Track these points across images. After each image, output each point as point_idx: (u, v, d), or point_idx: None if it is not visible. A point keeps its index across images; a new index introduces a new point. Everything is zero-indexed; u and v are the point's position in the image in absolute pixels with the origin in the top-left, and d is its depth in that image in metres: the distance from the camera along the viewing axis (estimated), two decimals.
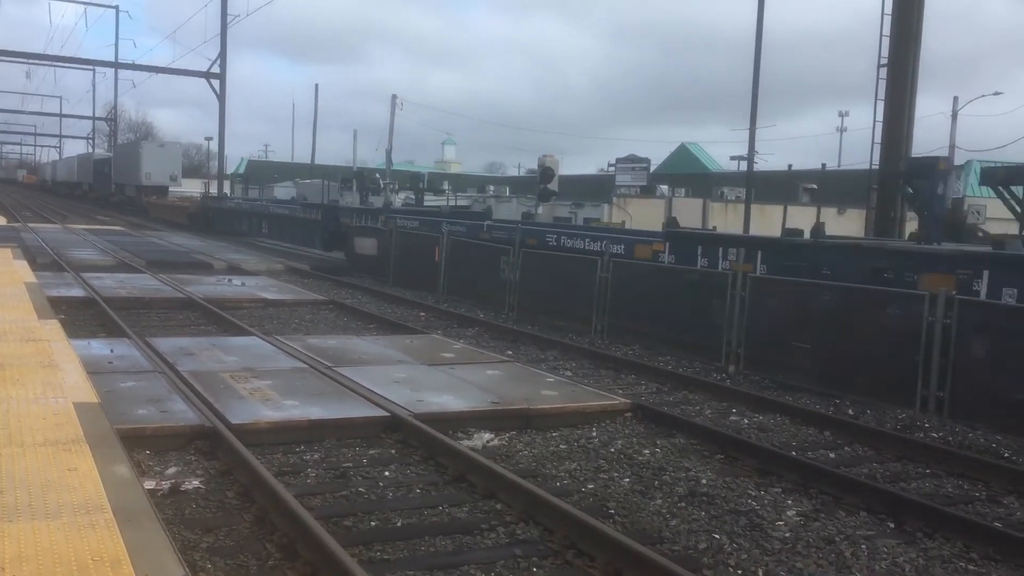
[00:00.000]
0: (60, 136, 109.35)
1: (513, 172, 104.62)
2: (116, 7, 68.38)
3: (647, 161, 52.94)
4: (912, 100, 17.92)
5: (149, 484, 6.70)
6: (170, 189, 55.03)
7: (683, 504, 7.11)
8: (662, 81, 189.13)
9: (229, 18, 47.92)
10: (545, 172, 30.94)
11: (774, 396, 11.19)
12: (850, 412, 10.59)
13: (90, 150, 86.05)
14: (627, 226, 32.55)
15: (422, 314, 17.74)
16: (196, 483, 7.06)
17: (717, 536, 6.44)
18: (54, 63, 62.71)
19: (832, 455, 8.91)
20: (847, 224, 42.13)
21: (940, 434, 9.70)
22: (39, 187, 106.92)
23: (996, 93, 64.53)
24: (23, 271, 16.75)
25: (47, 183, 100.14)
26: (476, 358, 12.22)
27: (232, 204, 44.56)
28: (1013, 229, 35.11)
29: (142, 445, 7.68)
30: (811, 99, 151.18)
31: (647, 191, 50.02)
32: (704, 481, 7.68)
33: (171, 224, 45.15)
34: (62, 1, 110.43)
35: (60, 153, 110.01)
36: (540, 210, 32.07)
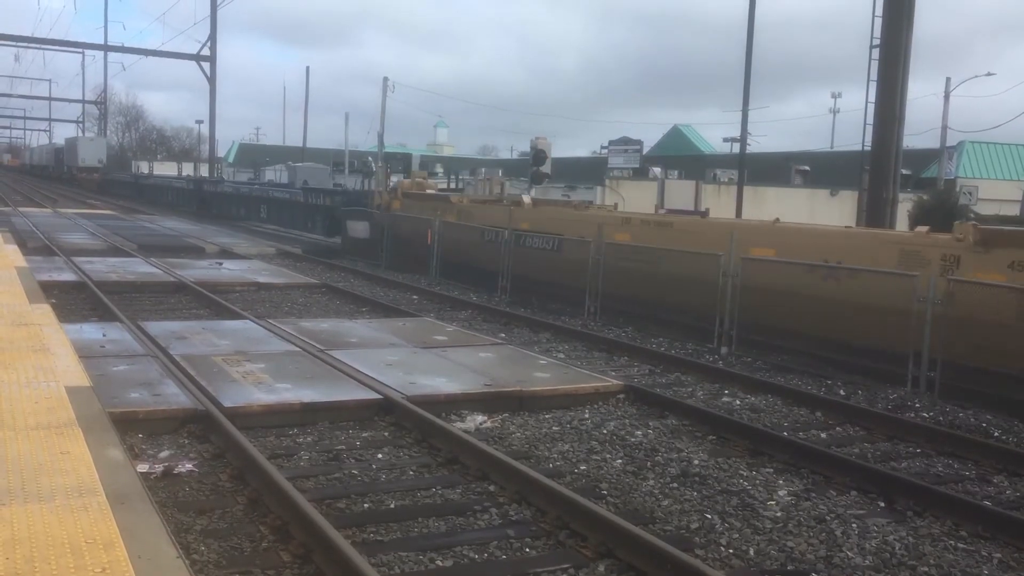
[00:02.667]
0: (50, 120, 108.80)
1: (506, 155, 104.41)
2: None
3: (640, 143, 52.82)
4: (904, 81, 17.90)
5: (142, 467, 6.71)
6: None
7: (675, 485, 7.14)
8: (653, 63, 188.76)
9: (219, 0, 47.57)
10: (538, 155, 30.84)
11: (766, 377, 11.23)
12: (842, 392, 10.63)
13: (80, 134, 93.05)
14: (619, 208, 32.44)
15: (415, 297, 17.74)
16: (189, 466, 7.06)
17: (709, 516, 6.48)
18: (43, 46, 62.36)
19: (824, 435, 8.95)
20: (840, 206, 42.08)
21: (931, 414, 9.75)
22: (21, 169, 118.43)
23: (988, 74, 64.38)
24: (14, 255, 16.70)
25: (27, 166, 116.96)
26: (469, 341, 12.23)
27: (115, 176, 69.82)
28: (1005, 209, 35.16)
29: (135, 428, 7.68)
30: (804, 81, 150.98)
31: (640, 173, 49.91)
32: (696, 462, 7.72)
33: (86, 189, 66.13)
34: None
35: (50, 137, 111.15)
36: (533, 192, 32.00)
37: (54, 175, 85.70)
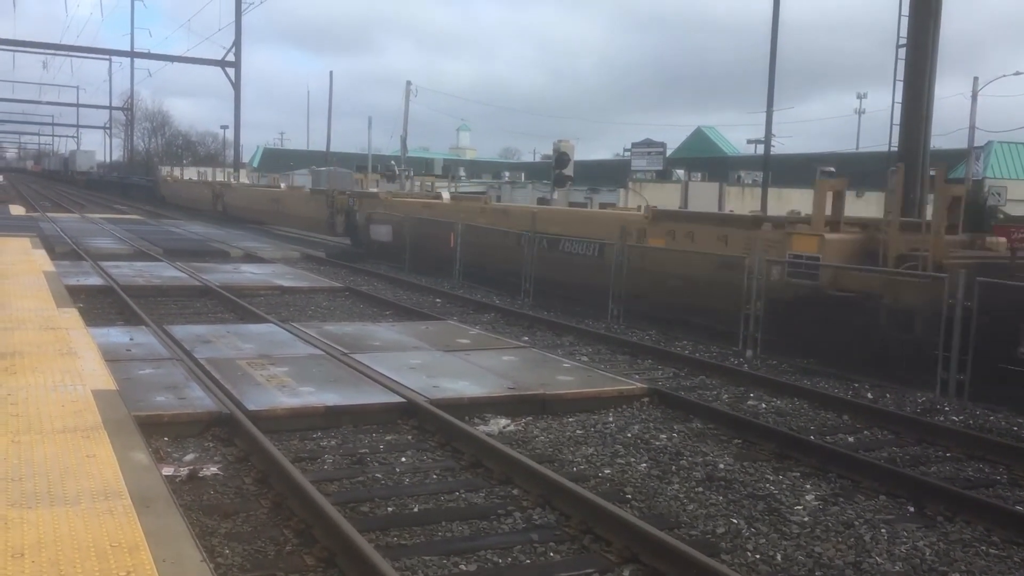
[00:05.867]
0: (77, 126, 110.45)
1: (528, 158, 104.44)
2: None
3: (663, 146, 52.67)
4: (932, 80, 17.68)
5: (167, 470, 6.73)
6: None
7: (701, 489, 7.08)
8: (674, 65, 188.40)
9: (243, 6, 47.97)
10: (560, 157, 30.78)
11: (792, 380, 11.12)
12: (869, 395, 10.51)
13: (107, 140, 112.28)
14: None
15: (437, 300, 17.74)
16: (214, 469, 7.08)
17: (735, 521, 6.41)
18: (71, 53, 63.11)
19: (851, 439, 8.84)
20: (865, 207, 41.63)
21: (960, 417, 9.61)
22: (41, 175, 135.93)
23: (1016, 73, 63.59)
24: (41, 260, 16.86)
25: (45, 171, 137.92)
26: (492, 344, 12.21)
27: (93, 176, 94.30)
28: None
29: (160, 432, 7.72)
30: (828, 82, 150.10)
31: (663, 176, 49.73)
32: (722, 466, 7.65)
33: (79, 187, 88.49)
34: None
35: (78, 143, 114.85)
36: (555, 195, 31.94)
37: (62, 178, 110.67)
